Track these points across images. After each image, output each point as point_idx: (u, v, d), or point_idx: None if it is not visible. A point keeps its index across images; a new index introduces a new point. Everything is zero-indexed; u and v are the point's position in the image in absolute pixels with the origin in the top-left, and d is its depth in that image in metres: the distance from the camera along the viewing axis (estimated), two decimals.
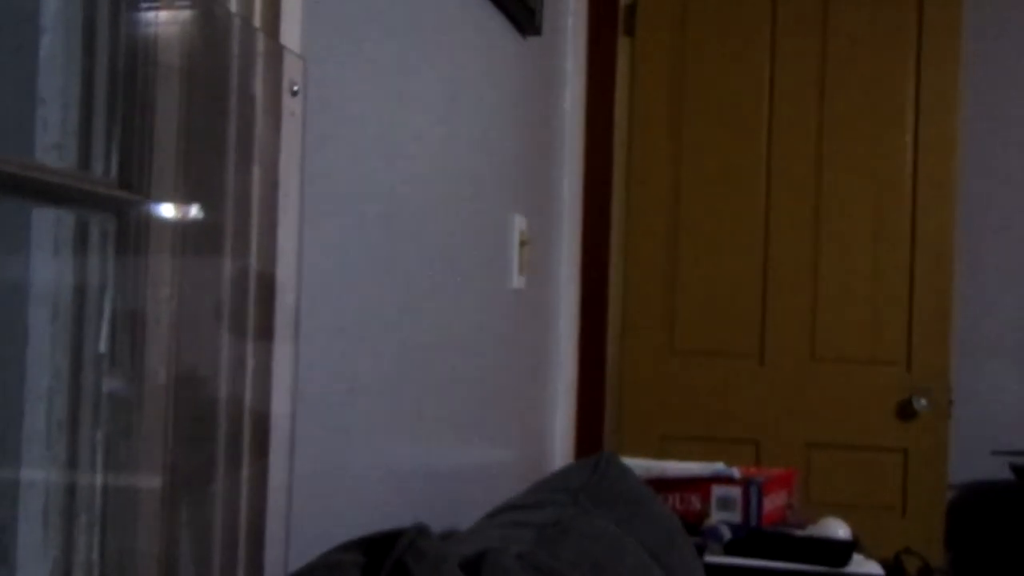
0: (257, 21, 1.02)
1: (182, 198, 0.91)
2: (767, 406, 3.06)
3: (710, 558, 1.99)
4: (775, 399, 3.06)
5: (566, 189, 2.35)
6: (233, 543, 0.96)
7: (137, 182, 0.87)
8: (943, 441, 3.00)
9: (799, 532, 2.10)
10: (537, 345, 2.16)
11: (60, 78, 0.84)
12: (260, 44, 1.00)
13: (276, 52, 1.02)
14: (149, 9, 0.88)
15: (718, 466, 2.15)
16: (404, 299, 1.41)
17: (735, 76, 3.10)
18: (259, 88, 0.99)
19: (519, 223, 1.94)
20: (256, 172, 0.99)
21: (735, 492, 2.09)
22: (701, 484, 2.12)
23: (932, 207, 3.00)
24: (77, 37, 0.85)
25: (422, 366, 1.48)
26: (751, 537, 2.04)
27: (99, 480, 0.85)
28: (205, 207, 0.93)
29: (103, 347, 0.85)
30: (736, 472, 2.13)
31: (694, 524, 2.05)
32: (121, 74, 0.86)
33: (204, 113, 0.93)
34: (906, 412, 3.00)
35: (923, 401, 2.96)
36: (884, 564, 2.10)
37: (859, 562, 2.03)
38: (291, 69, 1.03)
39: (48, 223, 0.85)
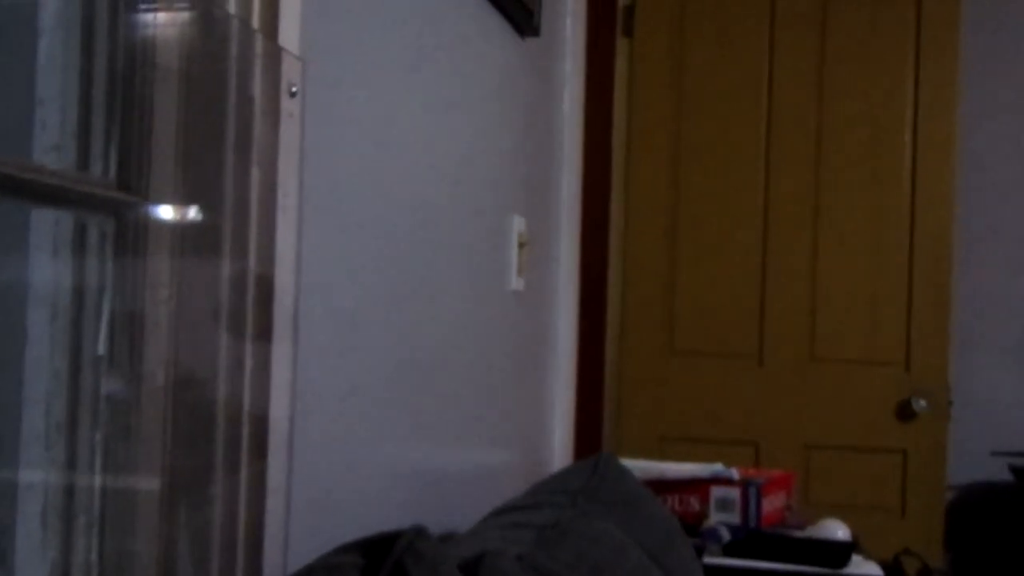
0: (256, 22, 1.02)
1: (180, 199, 0.91)
2: (766, 407, 3.06)
3: (709, 559, 1.99)
4: (774, 400, 3.06)
5: (565, 190, 2.35)
6: (232, 545, 0.96)
7: (135, 183, 0.87)
8: (942, 442, 3.00)
9: (798, 533, 2.10)
10: (536, 346, 2.16)
11: (59, 80, 0.84)
12: (258, 45, 1.00)
13: (275, 53, 1.02)
14: (147, 11, 0.88)
15: (717, 467, 2.15)
16: (402, 301, 1.41)
17: (733, 76, 3.10)
18: (258, 89, 0.99)
19: (518, 224, 1.94)
20: (255, 173, 0.99)
21: (734, 493, 2.09)
22: (700, 485, 2.12)
23: (931, 206, 3.01)
24: (76, 39, 0.85)
25: (421, 367, 1.48)
26: (750, 538, 2.04)
27: (98, 482, 0.84)
28: (203, 208, 0.93)
29: (102, 349, 0.85)
30: (735, 473, 2.13)
31: (693, 525, 2.05)
32: (120, 76, 0.86)
33: (203, 114, 0.93)
34: (905, 413, 3.00)
35: (922, 402, 2.96)
36: (883, 565, 2.10)
37: (858, 563, 2.03)
38: (290, 70, 1.03)
39: (47, 224, 0.85)
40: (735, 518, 2.08)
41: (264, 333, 1.00)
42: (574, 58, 2.39)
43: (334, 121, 1.20)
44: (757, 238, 3.08)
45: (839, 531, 2.08)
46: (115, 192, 0.86)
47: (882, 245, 3.02)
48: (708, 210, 3.10)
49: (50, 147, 0.84)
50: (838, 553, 2.00)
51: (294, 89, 1.03)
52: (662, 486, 2.11)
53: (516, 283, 1.94)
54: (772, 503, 2.14)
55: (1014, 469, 3.10)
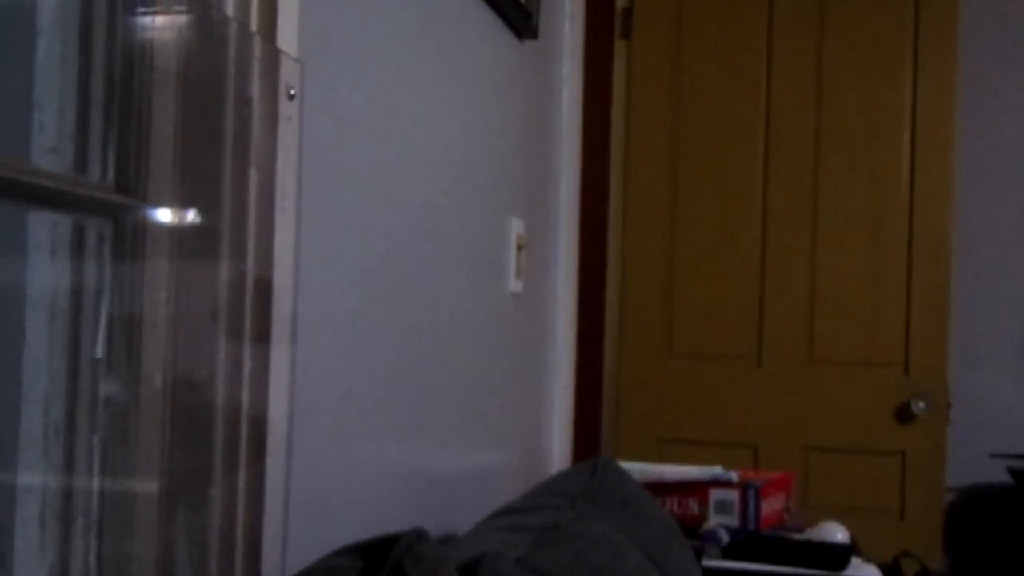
0: (254, 25, 1.02)
1: (179, 202, 0.91)
2: (765, 409, 3.06)
3: (708, 562, 1.99)
4: (773, 402, 3.06)
5: (563, 192, 2.35)
6: (230, 547, 0.96)
7: (134, 186, 0.87)
8: (941, 444, 3.00)
9: (797, 536, 2.10)
10: (535, 348, 2.16)
11: (57, 82, 0.84)
12: (257, 48, 1.00)
13: (273, 56, 1.02)
14: (146, 13, 0.88)
15: (716, 469, 2.15)
16: (401, 303, 1.41)
17: (731, 79, 3.10)
18: (256, 92, 0.99)
19: (516, 227, 1.94)
20: (253, 176, 0.99)
21: (733, 496, 2.09)
22: (699, 488, 2.12)
23: (929, 208, 3.01)
24: (74, 41, 0.85)
25: (419, 370, 1.48)
26: (749, 541, 2.04)
27: (96, 484, 0.84)
28: (202, 211, 0.93)
29: (100, 351, 0.85)
30: (734, 476, 2.13)
31: (692, 528, 2.05)
32: (118, 78, 0.86)
33: (201, 117, 0.93)
34: (904, 415, 3.00)
35: (921, 404, 2.96)
36: (882, 567, 2.10)
37: (857, 566, 2.03)
38: (288, 73, 1.03)
39: (44, 227, 0.84)
40: (734, 520, 2.08)
41: (262, 335, 1.00)
42: (572, 60, 2.39)
43: (332, 124, 1.20)
44: (756, 240, 3.08)
45: (838, 533, 2.08)
46: (113, 195, 0.86)
47: (881, 247, 3.02)
48: (707, 212, 3.10)
49: (48, 149, 0.84)
50: (837, 555, 2.00)
51: (292, 91, 1.03)
52: (661, 488, 2.11)
53: (515, 285, 1.94)
54: (771, 505, 2.14)
55: (1013, 471, 3.10)
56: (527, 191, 2.06)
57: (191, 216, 0.92)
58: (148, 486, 0.87)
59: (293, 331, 1.05)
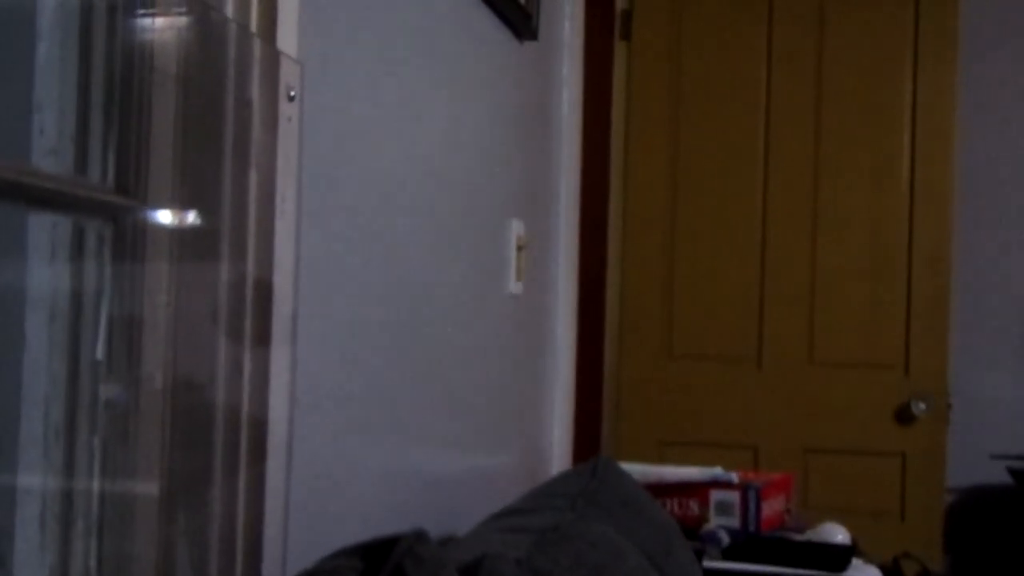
0: (254, 26, 1.02)
1: (178, 204, 0.91)
2: (765, 410, 3.06)
3: (708, 563, 1.98)
4: (773, 403, 3.06)
5: (563, 193, 2.35)
6: (230, 549, 0.96)
7: (133, 188, 0.87)
8: (941, 445, 2.99)
9: (798, 537, 2.10)
10: (534, 350, 2.16)
11: (57, 84, 0.84)
12: (256, 49, 1.00)
13: (273, 57, 1.02)
14: (145, 15, 0.88)
15: (716, 471, 2.15)
16: (401, 304, 1.41)
17: (731, 80, 3.10)
18: (256, 93, 0.99)
19: (516, 228, 1.94)
20: (253, 177, 0.99)
21: (733, 497, 2.09)
22: (699, 489, 2.12)
23: (929, 209, 3.01)
24: (74, 43, 0.85)
25: (420, 371, 1.48)
26: (749, 542, 2.04)
27: (96, 486, 0.84)
28: (201, 213, 0.93)
29: (100, 353, 0.85)
30: (734, 477, 2.13)
31: (692, 529, 2.05)
32: (117, 80, 0.86)
33: (200, 118, 0.93)
34: (904, 416, 3.00)
35: (921, 405, 2.96)
36: (883, 568, 2.10)
37: (858, 567, 2.03)
38: (288, 74, 1.03)
39: (44, 228, 0.84)
40: (734, 522, 2.08)
41: (262, 337, 1.00)
42: (572, 62, 2.39)
43: (332, 125, 1.20)
44: (755, 241, 3.08)
45: (838, 534, 2.08)
46: (113, 196, 0.86)
47: (881, 247, 3.02)
48: (707, 213, 3.10)
49: (48, 151, 0.84)
50: (838, 557, 2.00)
51: (292, 93, 1.03)
52: (661, 490, 2.11)
53: (515, 287, 1.94)
54: (771, 507, 2.14)
55: (1013, 472, 3.10)
56: (527, 192, 2.06)
57: (191, 217, 0.92)
58: (148, 487, 0.87)
59: (293, 332, 1.05)
